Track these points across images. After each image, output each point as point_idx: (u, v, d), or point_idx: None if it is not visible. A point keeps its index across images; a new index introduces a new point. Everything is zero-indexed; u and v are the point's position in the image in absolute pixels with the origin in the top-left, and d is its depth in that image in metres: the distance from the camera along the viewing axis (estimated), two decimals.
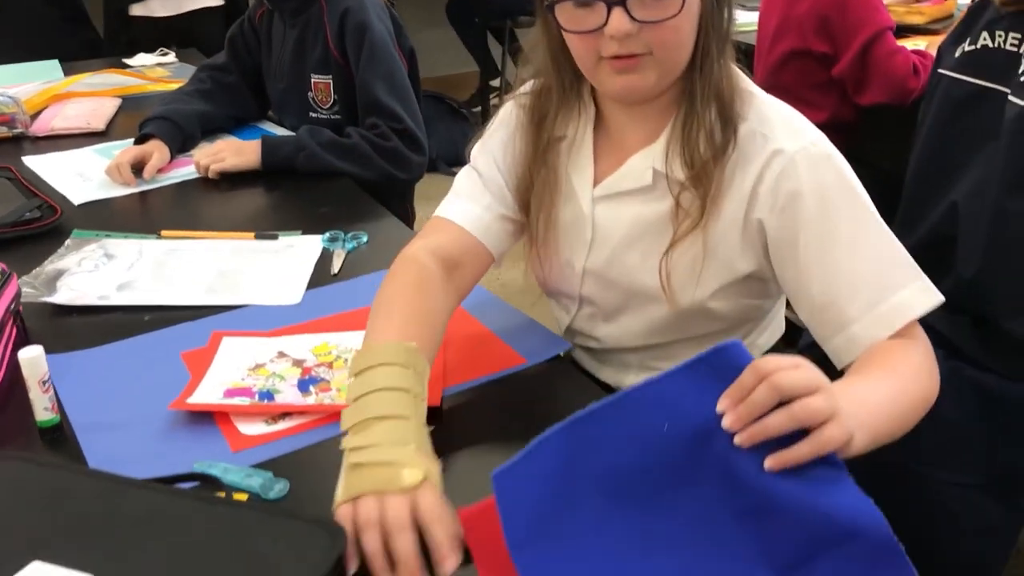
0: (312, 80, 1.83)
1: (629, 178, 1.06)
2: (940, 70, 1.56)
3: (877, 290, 0.97)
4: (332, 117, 1.82)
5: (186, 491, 0.84)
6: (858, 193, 0.99)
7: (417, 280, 1.03)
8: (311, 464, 0.93)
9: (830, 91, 1.99)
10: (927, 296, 0.98)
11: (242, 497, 0.87)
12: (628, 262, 1.08)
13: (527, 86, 1.14)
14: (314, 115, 1.85)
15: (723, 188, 1.01)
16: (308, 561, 0.72)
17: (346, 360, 1.08)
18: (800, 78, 1.90)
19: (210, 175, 1.70)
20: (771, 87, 1.09)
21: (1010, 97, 1.32)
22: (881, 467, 1.66)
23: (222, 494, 0.87)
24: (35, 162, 1.80)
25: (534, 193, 1.11)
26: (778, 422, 0.71)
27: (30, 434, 0.99)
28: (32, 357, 0.95)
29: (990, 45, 1.37)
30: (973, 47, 1.39)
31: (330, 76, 1.81)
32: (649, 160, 1.04)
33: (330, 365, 1.08)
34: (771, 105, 1.04)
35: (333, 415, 0.98)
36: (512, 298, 1.26)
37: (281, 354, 1.11)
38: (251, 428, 0.98)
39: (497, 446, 0.95)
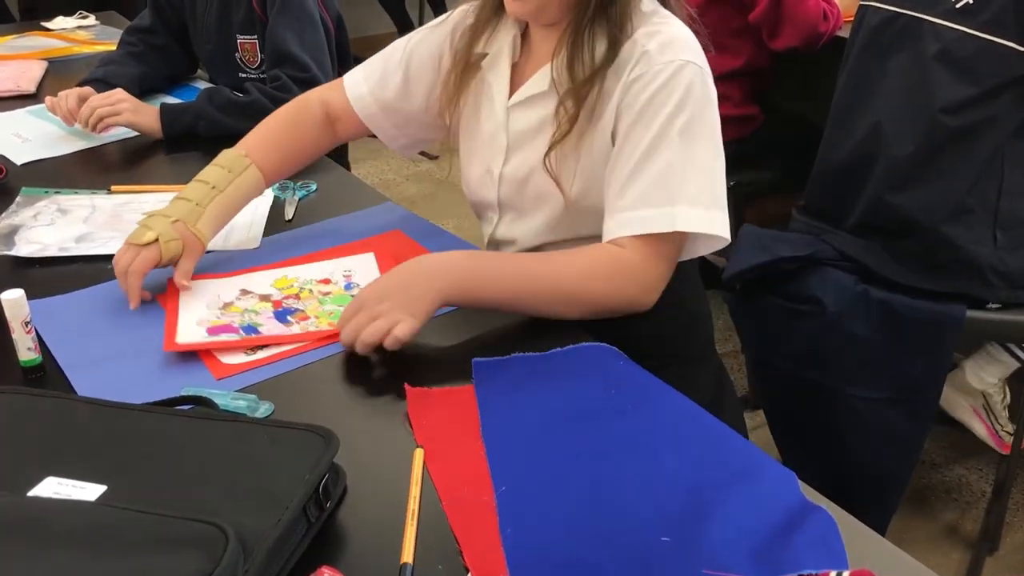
0: (238, 40, 1.85)
1: (532, 85, 1.19)
2: (862, 2, 1.70)
3: (646, 196, 1.09)
4: (261, 76, 1.85)
5: (182, 411, 0.90)
6: (694, 116, 1.09)
7: (296, 116, 1.37)
8: (290, 388, 1.00)
9: (746, 37, 2.10)
10: (698, 222, 1.09)
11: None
12: (533, 163, 1.19)
13: (458, 12, 1.26)
14: (243, 75, 1.86)
15: (602, 95, 1.12)
16: (307, 460, 0.80)
17: (311, 291, 1.15)
18: (718, 25, 2.00)
19: (98, 129, 1.66)
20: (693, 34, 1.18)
21: (936, 20, 1.49)
22: (800, 386, 1.81)
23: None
24: None
25: (456, 104, 1.25)
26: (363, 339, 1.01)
27: (12, 374, 1.03)
28: (14, 299, 0.99)
29: None
30: None
31: (256, 36, 1.83)
32: (548, 70, 1.16)
33: (297, 296, 1.15)
34: (667, 24, 1.13)
35: (321, 339, 1.06)
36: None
37: (244, 291, 1.17)
38: (232, 359, 1.04)
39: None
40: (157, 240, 1.15)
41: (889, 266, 1.63)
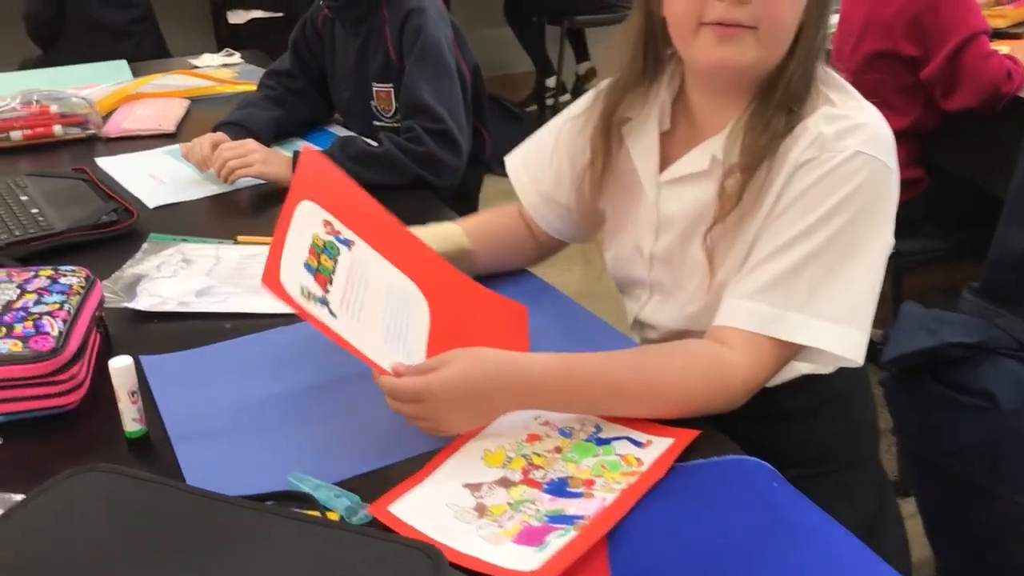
0: (374, 88, 1.81)
1: (690, 163, 1.07)
2: None
3: (771, 289, 0.96)
4: (395, 125, 1.80)
5: (280, 509, 0.81)
6: (859, 219, 0.96)
7: (500, 212, 1.30)
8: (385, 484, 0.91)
9: (915, 95, 1.93)
10: (823, 338, 0.95)
11: (333, 517, 0.86)
12: (686, 244, 1.08)
13: (604, 82, 1.15)
14: (377, 123, 1.83)
15: (769, 177, 0.99)
16: None
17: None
18: (884, 81, 1.85)
19: (230, 180, 1.65)
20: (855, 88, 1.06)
21: None
22: (964, 487, 1.62)
23: (315, 513, 0.85)
24: (108, 163, 1.81)
25: (600, 179, 1.14)
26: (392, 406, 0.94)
27: (117, 444, 0.98)
28: (122, 367, 0.95)
29: None
30: None
31: (391, 84, 1.79)
32: (713, 147, 1.04)
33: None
34: (855, 110, 1.00)
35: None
36: (577, 295, 1.28)
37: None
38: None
39: None
40: None
41: None
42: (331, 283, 0.97)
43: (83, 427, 1.02)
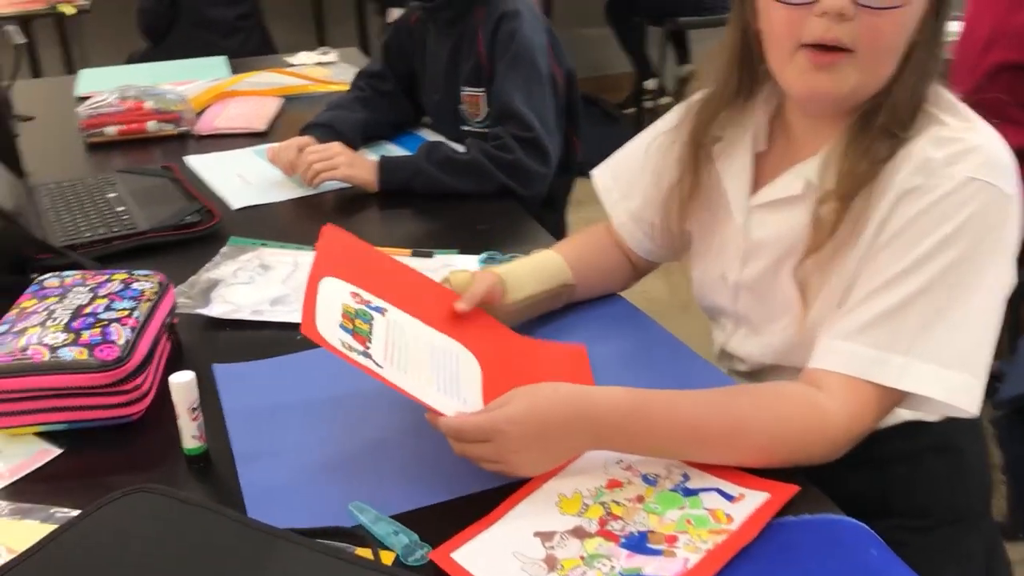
0: (463, 92, 1.76)
1: (782, 187, 0.99)
2: None
3: (873, 330, 0.86)
4: (484, 130, 1.75)
5: (331, 549, 0.76)
6: (974, 253, 0.85)
7: (594, 235, 1.24)
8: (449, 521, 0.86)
9: None
10: (932, 384, 0.85)
11: (388, 556, 0.81)
12: (775, 274, 1.00)
13: (695, 97, 1.08)
14: (466, 128, 1.78)
15: (869, 205, 0.90)
16: None
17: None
18: (1010, 94, 1.71)
19: (314, 183, 1.62)
20: (973, 104, 0.95)
21: None
22: None
23: (368, 551, 0.80)
24: (196, 162, 1.81)
25: (688, 200, 1.07)
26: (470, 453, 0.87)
27: (178, 460, 0.95)
28: (183, 383, 0.91)
29: None
30: None
31: (482, 89, 1.74)
32: (807, 170, 0.96)
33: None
34: (968, 131, 0.90)
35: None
36: (661, 313, 1.21)
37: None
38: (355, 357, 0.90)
39: None
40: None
41: None
42: (370, 341, 0.92)
43: (145, 439, 0.99)
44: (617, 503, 0.86)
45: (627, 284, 1.26)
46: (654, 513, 0.84)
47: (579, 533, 0.83)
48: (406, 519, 0.85)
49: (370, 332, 0.93)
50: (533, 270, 1.14)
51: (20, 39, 2.05)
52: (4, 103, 1.71)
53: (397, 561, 0.80)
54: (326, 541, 0.80)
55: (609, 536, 0.82)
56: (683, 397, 0.90)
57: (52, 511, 0.88)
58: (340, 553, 0.75)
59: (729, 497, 0.85)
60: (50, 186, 1.63)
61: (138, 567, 0.74)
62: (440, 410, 0.88)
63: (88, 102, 1.98)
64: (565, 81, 1.77)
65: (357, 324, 0.93)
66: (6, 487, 0.93)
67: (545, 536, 0.82)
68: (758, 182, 1.02)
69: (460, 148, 1.65)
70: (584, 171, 2.51)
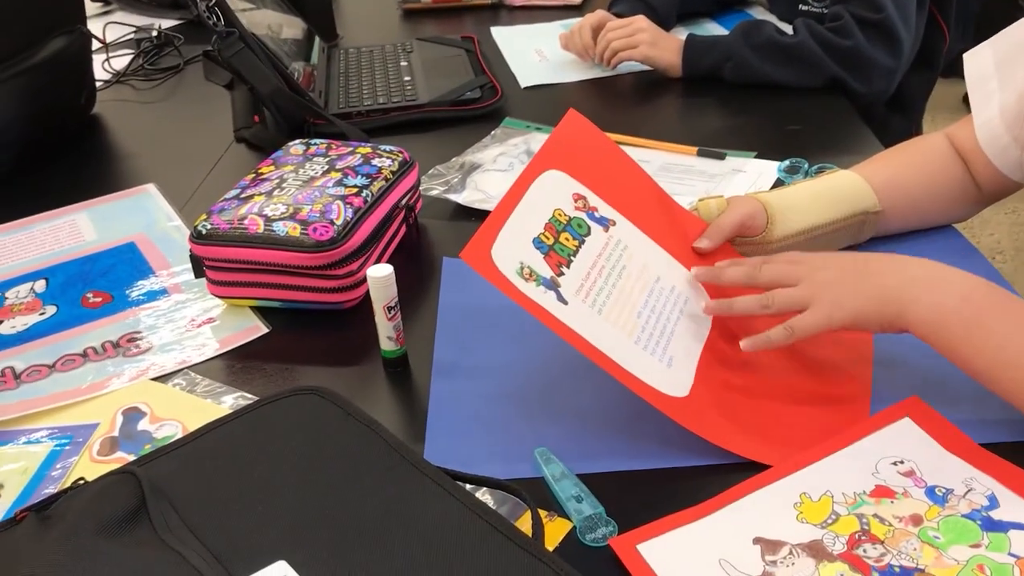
0: None
1: None
2: None
3: None
4: (824, 11, 1.44)
5: (484, 510, 0.62)
6: None
7: (922, 148, 0.96)
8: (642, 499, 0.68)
9: None
10: None
11: (562, 527, 0.65)
12: None
13: None
14: (804, 7, 1.48)
15: None
16: None
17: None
18: None
19: (612, 63, 1.44)
20: None
21: None
22: None
23: (544, 514, 0.65)
24: (500, 34, 1.69)
25: None
26: (744, 304, 0.77)
27: (375, 360, 0.86)
28: (380, 277, 0.80)
29: None
30: None
31: None
32: None
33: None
34: None
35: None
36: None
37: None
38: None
39: None
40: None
41: None
42: (568, 266, 0.74)
43: (352, 332, 0.90)
44: (881, 520, 0.63)
45: (965, 213, 0.97)
46: (932, 545, 0.61)
47: (816, 551, 0.61)
48: (587, 481, 0.69)
49: (575, 252, 0.75)
50: (815, 194, 0.89)
51: None
52: None
53: (571, 535, 0.65)
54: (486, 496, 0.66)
55: (858, 564, 0.60)
56: None
57: (238, 395, 0.83)
58: (493, 517, 0.60)
59: None
60: (350, 51, 1.60)
61: (277, 470, 0.66)
62: (624, 367, 0.70)
63: None
64: None
65: (561, 239, 0.75)
66: (212, 359, 0.89)
67: (769, 546, 0.62)
68: None
69: (787, 29, 1.38)
70: (955, 70, 2.09)
